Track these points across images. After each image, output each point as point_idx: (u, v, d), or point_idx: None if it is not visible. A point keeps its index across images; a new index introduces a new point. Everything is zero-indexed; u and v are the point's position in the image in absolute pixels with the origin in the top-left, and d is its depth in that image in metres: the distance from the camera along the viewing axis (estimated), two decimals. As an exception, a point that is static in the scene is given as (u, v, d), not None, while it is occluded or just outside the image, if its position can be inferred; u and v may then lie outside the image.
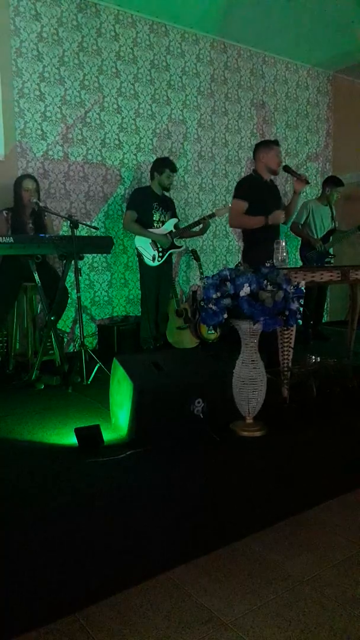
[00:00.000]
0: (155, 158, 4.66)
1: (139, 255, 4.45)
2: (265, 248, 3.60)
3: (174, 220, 4.51)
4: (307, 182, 3.65)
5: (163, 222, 4.47)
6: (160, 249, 4.39)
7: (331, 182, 5.11)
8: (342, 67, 6.22)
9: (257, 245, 3.66)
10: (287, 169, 3.69)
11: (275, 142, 3.81)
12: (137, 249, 4.44)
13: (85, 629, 1.44)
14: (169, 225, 4.47)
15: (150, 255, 4.38)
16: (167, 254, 4.44)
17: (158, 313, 4.57)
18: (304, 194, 6.26)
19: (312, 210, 5.09)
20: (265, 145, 3.78)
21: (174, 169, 4.47)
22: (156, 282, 4.48)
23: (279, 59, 5.92)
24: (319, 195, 5.45)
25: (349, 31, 5.20)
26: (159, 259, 4.40)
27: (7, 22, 4.20)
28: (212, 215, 4.54)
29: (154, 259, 4.39)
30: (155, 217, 4.43)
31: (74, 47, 4.56)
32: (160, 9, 4.80)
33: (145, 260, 4.40)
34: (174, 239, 4.49)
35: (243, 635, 1.42)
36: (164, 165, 4.41)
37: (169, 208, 4.55)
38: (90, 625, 1.46)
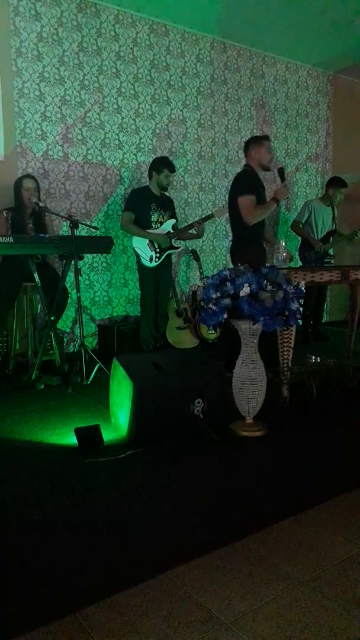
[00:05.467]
0: (153, 158, 4.66)
1: (137, 256, 4.45)
2: (257, 244, 3.64)
3: (172, 221, 4.50)
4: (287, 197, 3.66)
5: (161, 223, 4.45)
6: (157, 250, 4.38)
7: (335, 183, 5.11)
8: (342, 67, 6.22)
9: (250, 242, 3.62)
10: (281, 172, 3.63)
11: (265, 137, 3.75)
12: (134, 249, 4.44)
13: (85, 629, 1.44)
14: (167, 225, 4.46)
15: (147, 256, 4.37)
16: (164, 255, 4.44)
17: (158, 313, 4.56)
18: (304, 193, 6.27)
19: (314, 210, 5.10)
20: (256, 142, 3.71)
21: (172, 169, 4.44)
22: (155, 282, 4.47)
23: (279, 59, 5.92)
24: (321, 195, 5.46)
25: (349, 31, 5.20)
26: (157, 259, 4.39)
27: (7, 22, 4.20)
28: (209, 217, 4.50)
29: (151, 260, 4.38)
30: (154, 217, 4.42)
31: (74, 47, 4.56)
32: (160, 9, 4.79)
33: (143, 261, 4.39)
34: (172, 240, 4.48)
35: (243, 635, 1.42)
36: (163, 165, 4.40)
37: (167, 208, 4.53)
38: (90, 625, 1.46)
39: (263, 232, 3.75)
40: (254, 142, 3.71)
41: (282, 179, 3.59)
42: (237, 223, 3.65)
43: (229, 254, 5.66)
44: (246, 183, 3.63)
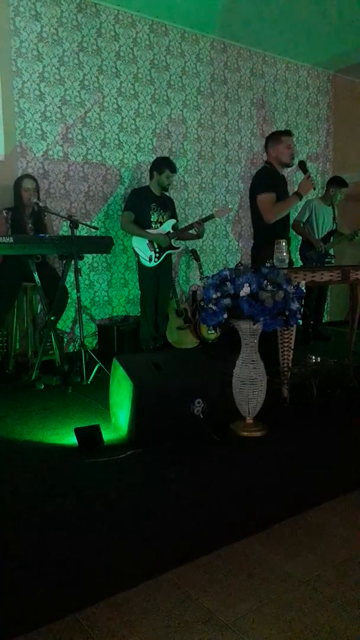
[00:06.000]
0: (155, 157, 4.66)
1: (137, 256, 4.44)
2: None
3: (172, 221, 4.50)
4: (314, 188, 3.50)
5: (161, 223, 4.45)
6: (157, 250, 4.38)
7: (336, 182, 5.11)
8: (342, 66, 6.22)
9: (270, 241, 3.44)
10: (302, 165, 3.50)
11: (285, 133, 3.62)
12: (134, 249, 4.44)
13: (85, 629, 1.44)
14: (167, 226, 4.46)
15: (147, 255, 4.37)
16: (164, 255, 4.43)
17: (157, 313, 4.56)
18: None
19: (315, 209, 5.09)
20: (274, 138, 3.60)
21: (174, 170, 4.44)
22: (154, 282, 4.47)
23: (279, 58, 5.92)
24: (321, 194, 5.45)
25: (349, 31, 5.19)
26: (156, 259, 4.38)
27: (7, 22, 4.20)
28: (210, 217, 4.49)
29: (150, 260, 4.38)
30: (153, 217, 4.42)
31: (74, 47, 4.55)
32: (160, 8, 4.79)
33: (142, 260, 4.39)
34: (172, 240, 4.47)
35: (243, 636, 1.42)
36: (164, 165, 4.39)
37: (167, 208, 4.53)
38: (90, 626, 1.45)
39: (286, 229, 3.62)
40: (272, 139, 3.60)
41: (304, 171, 3.46)
42: (258, 221, 3.58)
43: (229, 254, 5.70)
44: (265, 181, 3.55)
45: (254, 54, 5.72)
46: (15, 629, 1.43)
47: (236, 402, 2.56)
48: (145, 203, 4.40)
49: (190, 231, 4.54)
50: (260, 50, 5.73)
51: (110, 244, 3.80)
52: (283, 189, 3.60)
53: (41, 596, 1.54)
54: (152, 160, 4.62)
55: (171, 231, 4.46)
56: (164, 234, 4.41)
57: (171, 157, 4.69)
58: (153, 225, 4.41)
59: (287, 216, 3.60)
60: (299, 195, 3.45)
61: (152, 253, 4.37)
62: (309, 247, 5.03)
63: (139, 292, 4.63)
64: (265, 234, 3.53)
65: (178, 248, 4.61)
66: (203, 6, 4.73)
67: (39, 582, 1.57)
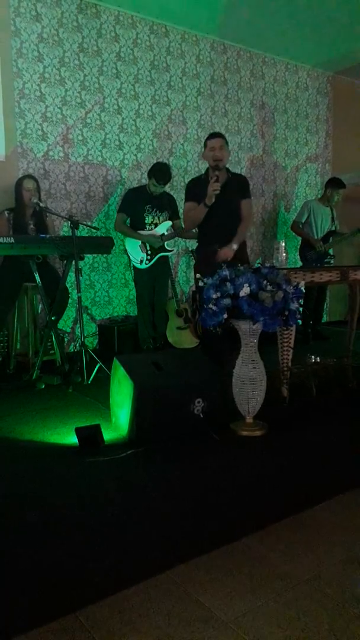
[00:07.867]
0: (155, 160, 4.65)
1: (129, 258, 4.45)
2: (205, 246, 3.50)
3: (167, 224, 4.49)
4: (216, 191, 3.19)
5: (156, 225, 4.43)
6: (149, 251, 4.37)
7: (333, 183, 5.12)
8: (342, 68, 6.23)
9: (200, 243, 3.60)
10: (216, 167, 3.28)
11: (209, 136, 3.44)
12: (125, 251, 4.44)
13: (85, 628, 1.44)
14: (162, 228, 4.45)
15: (137, 258, 4.37)
16: (156, 257, 4.42)
17: (154, 314, 4.55)
18: (304, 194, 6.27)
19: (313, 210, 5.10)
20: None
21: (160, 181, 4.33)
22: (149, 283, 4.46)
23: (278, 59, 5.92)
24: (320, 195, 5.46)
25: (349, 32, 5.20)
26: (147, 261, 4.38)
27: (8, 23, 4.21)
28: None
29: (141, 262, 4.37)
30: (148, 219, 4.40)
31: (75, 48, 4.56)
32: (161, 10, 4.80)
33: (133, 263, 4.39)
34: (165, 243, 4.45)
35: (243, 635, 1.42)
36: (152, 173, 4.36)
37: (164, 208, 4.50)
38: (90, 624, 1.46)
39: (217, 236, 3.38)
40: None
41: (212, 176, 3.25)
42: None
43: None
44: (188, 190, 3.56)
45: (254, 55, 5.72)
46: (15, 629, 1.44)
47: (236, 402, 2.56)
48: (140, 204, 4.38)
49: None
50: (260, 52, 5.74)
51: (111, 245, 3.81)
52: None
53: (41, 596, 1.55)
54: (152, 161, 4.62)
55: (165, 233, 4.45)
56: (157, 236, 4.40)
57: (171, 158, 4.68)
58: (147, 227, 4.40)
59: (218, 221, 3.37)
60: (204, 204, 3.28)
61: (144, 255, 4.37)
62: (309, 247, 5.05)
63: (137, 292, 4.62)
64: (199, 238, 3.63)
65: (171, 250, 4.59)
66: (203, 7, 4.74)
67: (39, 581, 1.57)
